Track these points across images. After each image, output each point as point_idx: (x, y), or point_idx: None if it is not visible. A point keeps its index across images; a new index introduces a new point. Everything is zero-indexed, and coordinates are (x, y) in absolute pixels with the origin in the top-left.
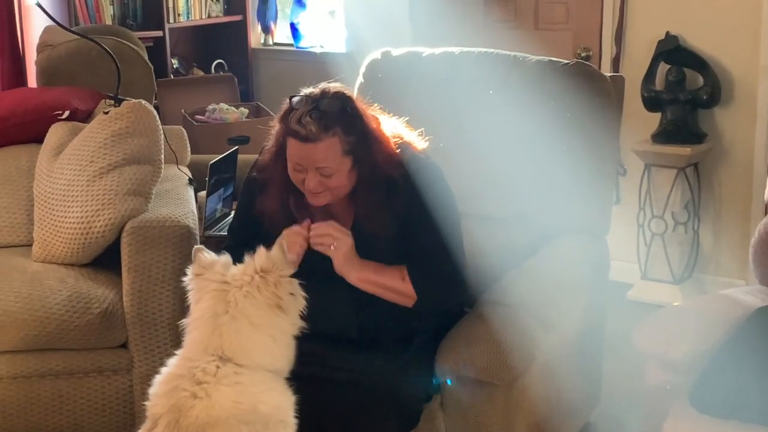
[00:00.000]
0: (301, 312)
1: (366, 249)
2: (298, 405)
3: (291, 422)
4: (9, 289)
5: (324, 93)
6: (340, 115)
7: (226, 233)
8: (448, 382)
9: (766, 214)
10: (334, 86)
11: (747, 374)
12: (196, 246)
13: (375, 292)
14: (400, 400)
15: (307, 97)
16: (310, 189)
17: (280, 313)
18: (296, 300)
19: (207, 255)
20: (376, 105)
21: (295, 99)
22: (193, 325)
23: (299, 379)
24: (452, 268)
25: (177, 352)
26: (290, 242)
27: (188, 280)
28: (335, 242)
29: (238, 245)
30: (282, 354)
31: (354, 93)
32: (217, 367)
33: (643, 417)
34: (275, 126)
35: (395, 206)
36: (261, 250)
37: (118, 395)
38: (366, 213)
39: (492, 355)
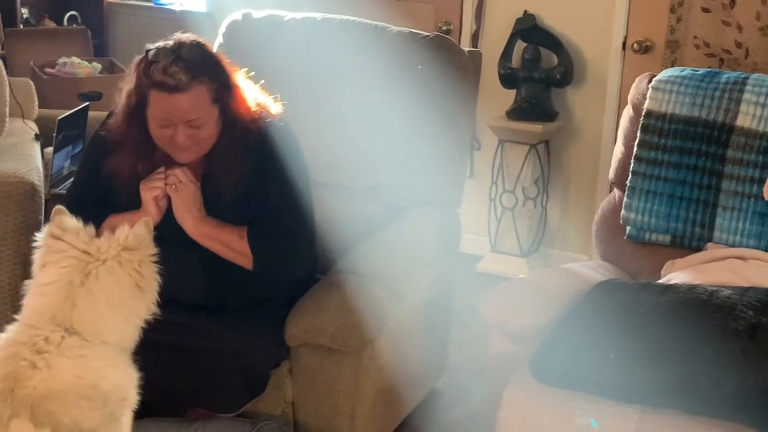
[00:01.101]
0: (156, 298)
1: (213, 211)
2: (143, 371)
3: (132, 399)
4: None
5: (181, 43)
6: (204, 62)
7: None
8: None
9: (610, 193)
10: (187, 36)
11: (583, 346)
12: (57, 206)
13: (213, 247)
14: (246, 366)
15: (165, 48)
16: (180, 144)
17: (138, 293)
18: (155, 283)
19: (70, 219)
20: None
21: (152, 51)
22: (40, 290)
23: (145, 345)
24: (295, 234)
25: (17, 317)
26: (152, 191)
27: (41, 238)
28: (179, 184)
29: (78, 210)
30: (131, 335)
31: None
32: (62, 337)
33: (487, 385)
34: (128, 84)
35: (247, 166)
36: (125, 227)
37: None
38: (221, 169)
39: (341, 323)
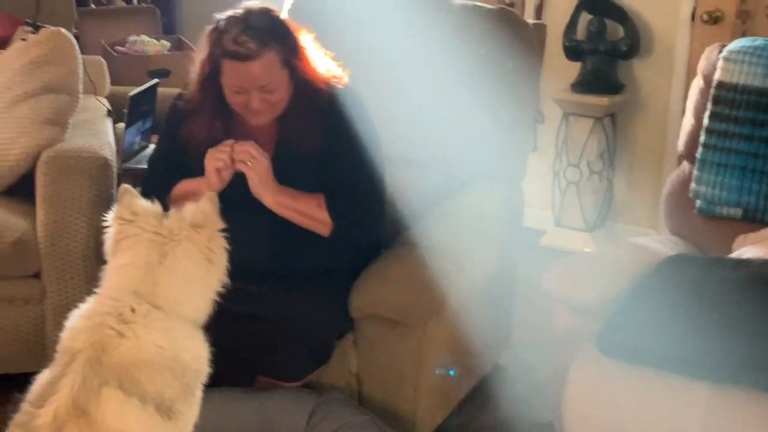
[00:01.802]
0: (227, 268)
1: (287, 173)
2: (211, 339)
3: (205, 372)
4: None
5: (250, 11)
6: (272, 29)
7: (143, 166)
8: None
9: (678, 166)
10: (254, 4)
11: (652, 321)
12: (123, 186)
13: (291, 217)
14: (312, 336)
15: (234, 17)
16: (255, 109)
17: (210, 267)
18: (225, 255)
19: (138, 200)
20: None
21: (223, 21)
22: (119, 270)
23: (214, 313)
24: (370, 199)
25: (96, 291)
26: (215, 162)
27: (111, 221)
28: (252, 160)
29: (158, 176)
30: (206, 308)
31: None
32: (148, 310)
33: (551, 359)
34: (201, 53)
35: (320, 126)
36: (191, 205)
37: (29, 325)
38: (294, 130)
39: (405, 295)
